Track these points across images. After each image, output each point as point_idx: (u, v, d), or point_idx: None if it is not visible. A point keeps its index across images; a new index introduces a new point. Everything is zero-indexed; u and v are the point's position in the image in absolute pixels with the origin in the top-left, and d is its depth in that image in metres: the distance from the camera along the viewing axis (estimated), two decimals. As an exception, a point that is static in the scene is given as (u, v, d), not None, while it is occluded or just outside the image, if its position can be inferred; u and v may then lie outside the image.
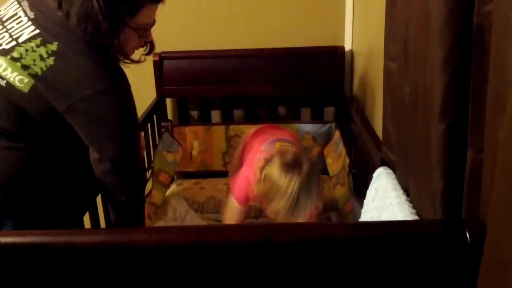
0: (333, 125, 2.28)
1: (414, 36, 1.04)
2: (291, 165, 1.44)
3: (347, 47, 2.28)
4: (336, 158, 2.16)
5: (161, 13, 2.26)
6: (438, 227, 0.80)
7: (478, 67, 0.79)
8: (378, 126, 1.83)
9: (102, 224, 1.44)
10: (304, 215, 1.40)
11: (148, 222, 1.78)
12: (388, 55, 1.34)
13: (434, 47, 0.89)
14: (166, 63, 2.25)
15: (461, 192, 0.88)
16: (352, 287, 0.79)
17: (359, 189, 1.80)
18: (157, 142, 2.13)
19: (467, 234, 0.76)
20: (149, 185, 1.86)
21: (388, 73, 1.35)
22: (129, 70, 2.30)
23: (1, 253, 0.77)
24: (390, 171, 1.34)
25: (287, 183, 1.41)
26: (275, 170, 1.45)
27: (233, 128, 2.32)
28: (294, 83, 2.28)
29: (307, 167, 1.45)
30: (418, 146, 1.06)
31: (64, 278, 0.78)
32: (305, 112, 2.39)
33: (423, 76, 0.98)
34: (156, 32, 2.28)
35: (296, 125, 2.30)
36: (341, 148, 2.10)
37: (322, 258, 0.77)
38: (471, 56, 0.82)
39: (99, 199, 1.40)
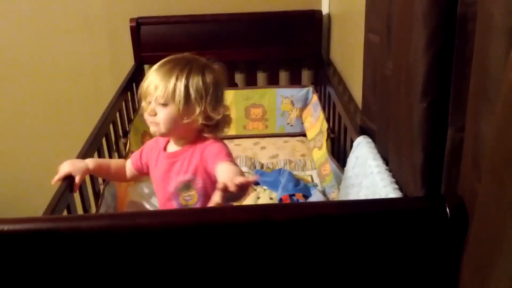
0: (311, 89, 2.32)
1: (397, 15, 1.07)
2: None
3: (325, 10, 2.30)
4: (314, 122, 2.22)
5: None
6: (421, 203, 0.87)
7: (460, 52, 0.84)
8: (356, 91, 1.88)
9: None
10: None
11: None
12: (369, 27, 1.37)
13: (418, 28, 0.93)
14: (144, 28, 2.23)
15: (440, 166, 0.94)
16: (343, 261, 0.86)
17: (338, 153, 1.87)
18: (137, 107, 2.13)
19: (447, 209, 0.82)
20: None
21: (369, 45, 1.38)
22: (105, 36, 2.30)
23: (5, 240, 0.80)
24: (370, 140, 1.39)
25: None
26: None
27: (212, 93, 2.33)
28: (272, 47, 2.31)
29: None
30: (400, 120, 1.11)
31: (70, 263, 0.82)
32: (283, 76, 2.42)
33: (406, 55, 1.02)
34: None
35: (275, 90, 2.33)
36: (319, 112, 2.16)
37: (316, 235, 0.83)
38: (453, 40, 0.86)
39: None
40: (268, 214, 0.82)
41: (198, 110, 1.21)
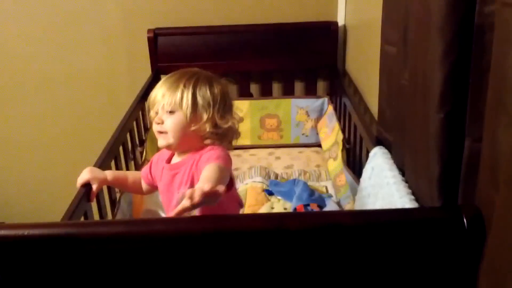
0: (326, 99, 2.33)
1: (414, 26, 1.08)
2: None
3: (340, 22, 2.31)
4: (329, 133, 2.22)
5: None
6: (438, 213, 0.86)
7: (478, 62, 0.84)
8: (372, 101, 1.88)
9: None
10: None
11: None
12: (386, 39, 1.37)
13: (434, 39, 0.93)
14: (161, 39, 2.26)
15: (457, 177, 0.94)
16: (358, 270, 0.86)
17: (353, 164, 1.87)
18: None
19: (464, 219, 0.82)
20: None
21: (385, 56, 1.39)
22: (123, 47, 2.34)
23: (26, 245, 0.82)
24: (386, 150, 1.39)
25: None
26: None
27: (228, 103, 2.34)
28: (288, 57, 2.32)
29: None
30: (416, 131, 1.10)
31: (88, 268, 0.83)
32: (299, 86, 2.43)
33: (423, 65, 1.02)
34: (150, 8, 2.30)
35: (290, 100, 2.34)
36: (334, 123, 2.16)
37: (331, 244, 0.83)
38: (470, 50, 0.86)
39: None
40: (283, 222, 0.82)
41: (205, 117, 1.21)
